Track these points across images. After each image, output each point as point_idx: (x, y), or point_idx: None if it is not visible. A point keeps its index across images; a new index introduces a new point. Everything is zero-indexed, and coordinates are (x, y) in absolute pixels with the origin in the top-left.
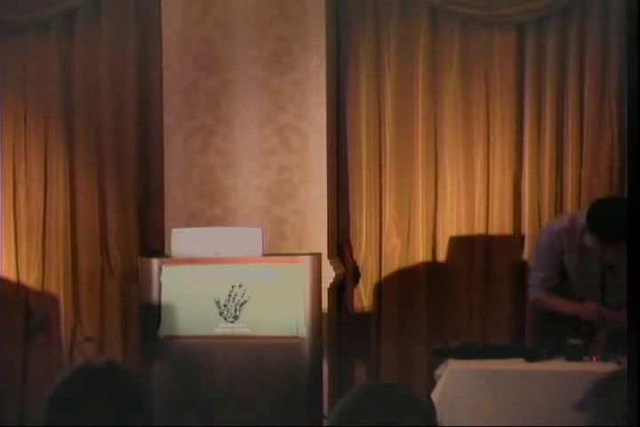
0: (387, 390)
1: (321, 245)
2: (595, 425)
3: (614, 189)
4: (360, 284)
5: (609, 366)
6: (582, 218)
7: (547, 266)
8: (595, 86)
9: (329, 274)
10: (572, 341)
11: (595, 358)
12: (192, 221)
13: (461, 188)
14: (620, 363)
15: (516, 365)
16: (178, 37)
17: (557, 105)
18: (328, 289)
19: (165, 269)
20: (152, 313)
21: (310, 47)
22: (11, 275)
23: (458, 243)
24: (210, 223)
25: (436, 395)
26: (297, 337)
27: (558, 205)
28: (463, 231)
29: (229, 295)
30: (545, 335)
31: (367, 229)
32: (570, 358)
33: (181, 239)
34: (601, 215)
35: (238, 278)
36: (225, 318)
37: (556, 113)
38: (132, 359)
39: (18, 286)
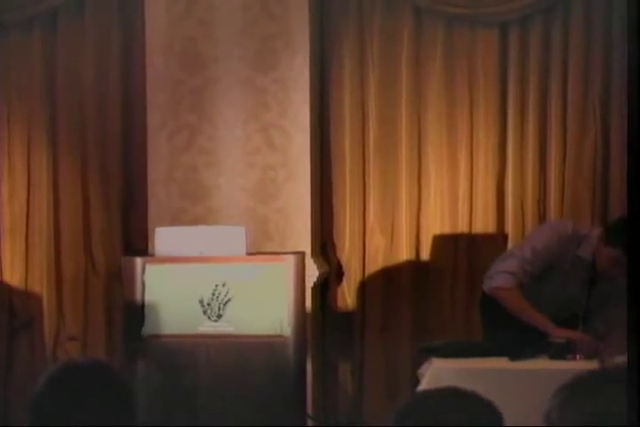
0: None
1: (305, 243)
2: (591, 425)
3: (597, 188)
4: (344, 283)
5: (593, 365)
6: (581, 228)
7: (535, 263)
8: (578, 86)
9: (313, 273)
10: (555, 340)
11: (578, 357)
12: (176, 220)
13: (445, 187)
14: (602, 361)
15: (500, 363)
16: (161, 36)
17: (540, 104)
18: (312, 288)
19: (149, 268)
20: (136, 312)
21: (294, 46)
22: None
23: (441, 242)
24: (193, 222)
25: None
26: (280, 336)
27: (542, 205)
28: (447, 230)
29: (213, 294)
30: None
31: (351, 227)
32: (553, 357)
33: (165, 238)
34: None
35: (222, 277)
36: (209, 317)
37: (540, 112)
38: (115, 358)
39: (1, 286)
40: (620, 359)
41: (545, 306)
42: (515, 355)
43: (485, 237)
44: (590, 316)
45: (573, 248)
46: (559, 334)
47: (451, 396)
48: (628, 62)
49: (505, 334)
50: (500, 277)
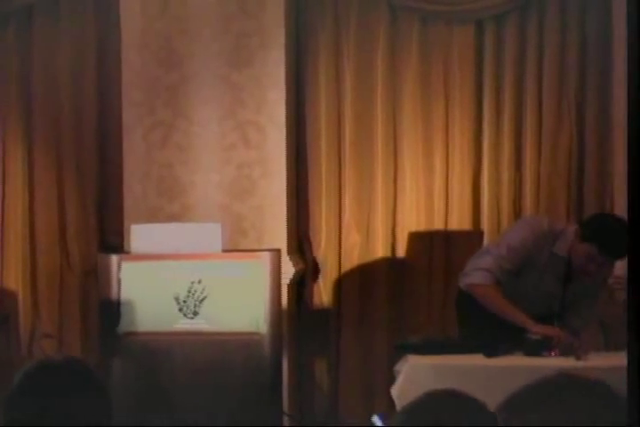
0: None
1: (280, 241)
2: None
3: (572, 184)
4: (320, 280)
5: (568, 362)
6: (557, 224)
7: (511, 260)
8: (553, 83)
9: (289, 270)
10: (531, 336)
11: (553, 354)
12: (151, 217)
13: (421, 184)
14: (578, 358)
15: (475, 360)
16: (137, 33)
17: (516, 101)
18: (288, 285)
19: (125, 265)
20: (111, 309)
21: (269, 42)
22: None
23: (417, 239)
24: (169, 219)
25: (395, 390)
26: (256, 333)
27: (517, 201)
28: (423, 227)
29: (189, 291)
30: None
31: (327, 225)
32: (528, 354)
33: (141, 236)
34: (613, 230)
35: (198, 275)
36: (184, 315)
37: (515, 109)
38: (91, 356)
39: None
40: (594, 356)
41: (521, 302)
42: (490, 352)
43: (461, 234)
44: (566, 312)
45: (549, 245)
46: (537, 331)
47: (449, 398)
48: (629, 62)
49: (480, 330)
50: (476, 274)
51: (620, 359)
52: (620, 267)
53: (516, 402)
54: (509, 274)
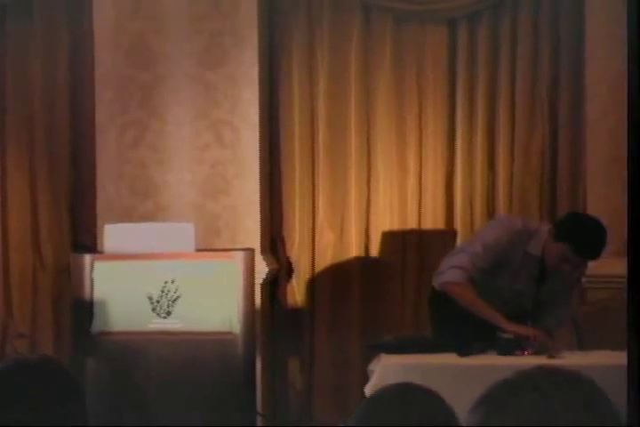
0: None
1: (254, 240)
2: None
3: (545, 183)
4: (293, 279)
5: (541, 361)
6: (531, 224)
7: (486, 258)
8: (526, 82)
9: (262, 270)
10: (503, 335)
11: (526, 352)
12: (124, 216)
13: (394, 183)
14: (551, 357)
15: (449, 359)
16: (109, 32)
17: (489, 100)
18: (261, 285)
19: (98, 265)
20: (84, 309)
21: (243, 42)
22: None
23: (391, 238)
24: (142, 219)
25: (368, 390)
26: (230, 333)
27: (490, 201)
28: (396, 227)
29: (162, 291)
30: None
31: (300, 224)
32: (501, 353)
33: (114, 235)
34: (587, 230)
35: (171, 274)
36: (158, 314)
37: (488, 108)
38: (64, 355)
39: None
40: (567, 355)
41: (495, 301)
42: (463, 351)
43: (434, 233)
44: (539, 312)
45: (523, 243)
46: (512, 329)
47: (403, 392)
48: (629, 62)
49: (454, 330)
50: (450, 273)
51: (593, 358)
52: (594, 266)
53: (495, 395)
54: (483, 272)
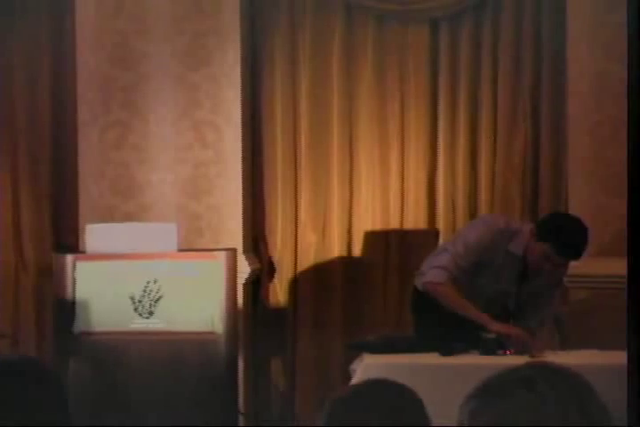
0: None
1: (236, 240)
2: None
3: (527, 183)
4: (275, 279)
5: (523, 360)
6: (513, 223)
7: (468, 258)
8: (508, 82)
9: (244, 269)
10: (486, 335)
11: (508, 352)
12: (107, 216)
13: (376, 183)
14: (532, 356)
15: (431, 359)
16: (92, 32)
17: (471, 100)
18: (243, 285)
19: (80, 265)
20: (67, 309)
21: (225, 42)
22: None
23: (373, 238)
24: (125, 219)
25: None
26: (212, 333)
27: (472, 200)
28: (378, 227)
29: (144, 291)
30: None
31: (283, 224)
32: (483, 353)
33: (96, 235)
34: (568, 230)
35: (153, 274)
36: (140, 314)
37: (470, 108)
38: (46, 356)
39: None
40: (549, 354)
41: (477, 301)
42: (445, 350)
43: (416, 233)
44: (521, 311)
45: (505, 243)
46: (496, 329)
47: (373, 387)
48: (629, 62)
49: (436, 329)
50: (433, 273)
51: (575, 358)
52: (574, 266)
53: (487, 390)
54: (466, 272)
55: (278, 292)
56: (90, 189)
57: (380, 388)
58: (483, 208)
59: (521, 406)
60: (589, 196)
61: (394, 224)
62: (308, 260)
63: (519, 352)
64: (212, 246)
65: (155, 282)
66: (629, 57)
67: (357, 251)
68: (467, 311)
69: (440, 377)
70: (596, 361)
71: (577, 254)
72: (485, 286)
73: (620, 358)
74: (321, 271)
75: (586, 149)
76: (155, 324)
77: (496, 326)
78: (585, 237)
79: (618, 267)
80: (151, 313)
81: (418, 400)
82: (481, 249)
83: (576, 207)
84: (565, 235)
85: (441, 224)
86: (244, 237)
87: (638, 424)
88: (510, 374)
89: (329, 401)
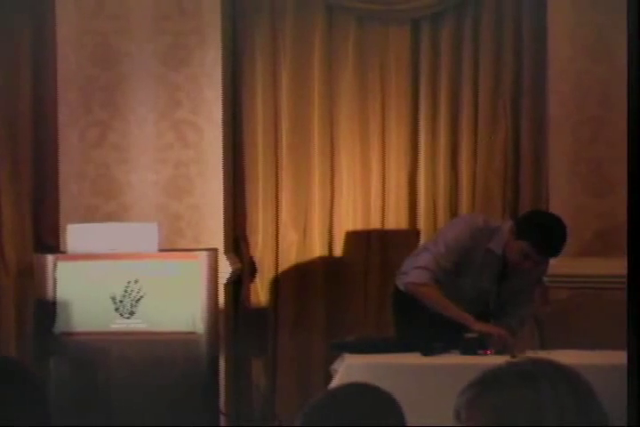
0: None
1: (217, 240)
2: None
3: (508, 183)
4: (257, 279)
5: (504, 359)
6: (493, 221)
7: (449, 257)
8: (489, 81)
9: (226, 269)
10: (467, 335)
11: (489, 352)
12: (88, 216)
13: (357, 183)
14: (513, 356)
15: (412, 359)
16: (72, 31)
17: (452, 100)
18: (225, 285)
19: (60, 265)
20: (47, 309)
21: (206, 42)
22: None
23: (354, 238)
24: (106, 219)
25: None
26: (193, 333)
27: (453, 200)
28: (359, 226)
29: (125, 291)
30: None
31: (264, 224)
32: (464, 352)
33: (77, 235)
34: (546, 228)
35: (134, 274)
36: (121, 314)
37: (451, 108)
38: (26, 356)
39: None
40: (530, 354)
41: (458, 301)
42: (427, 350)
43: (398, 233)
44: (501, 310)
45: (485, 241)
46: (479, 328)
47: (353, 391)
48: (629, 62)
49: (417, 329)
50: (414, 273)
51: (556, 357)
52: (556, 266)
53: (485, 380)
54: (447, 272)
55: (259, 292)
56: (71, 188)
57: (355, 391)
58: (464, 208)
59: (518, 399)
60: (570, 195)
61: (375, 224)
62: (289, 260)
63: (500, 352)
64: (193, 246)
65: (136, 282)
66: (629, 57)
67: (338, 251)
68: (450, 312)
69: (421, 377)
70: (576, 362)
71: (555, 252)
72: (467, 286)
73: (613, 357)
74: (302, 271)
75: (567, 149)
76: (136, 324)
77: (478, 326)
78: (563, 234)
79: (598, 267)
80: (132, 313)
81: (394, 402)
82: (461, 248)
83: (557, 207)
84: (543, 232)
85: (422, 224)
86: (225, 236)
87: (638, 424)
88: (511, 367)
89: (306, 405)
